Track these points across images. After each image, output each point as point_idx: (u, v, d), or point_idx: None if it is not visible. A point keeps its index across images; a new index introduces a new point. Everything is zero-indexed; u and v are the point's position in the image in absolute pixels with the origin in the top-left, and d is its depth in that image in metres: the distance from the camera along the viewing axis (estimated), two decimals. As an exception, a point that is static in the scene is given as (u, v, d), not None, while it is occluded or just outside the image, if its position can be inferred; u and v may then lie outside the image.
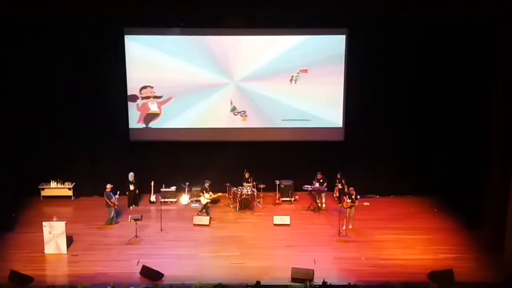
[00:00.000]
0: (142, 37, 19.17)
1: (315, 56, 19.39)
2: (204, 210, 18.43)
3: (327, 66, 19.45)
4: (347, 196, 17.25)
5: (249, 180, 19.19)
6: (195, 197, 19.51)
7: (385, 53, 18.91)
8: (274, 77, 19.52)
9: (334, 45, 19.36)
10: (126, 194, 19.01)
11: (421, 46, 18.80)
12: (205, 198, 18.38)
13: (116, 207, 17.84)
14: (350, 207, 17.10)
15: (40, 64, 18.62)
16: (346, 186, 18.14)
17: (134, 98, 19.60)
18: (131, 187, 19.06)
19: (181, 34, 19.15)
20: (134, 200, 19.23)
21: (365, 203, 17.15)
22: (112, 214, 17.79)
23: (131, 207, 19.03)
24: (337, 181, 19.18)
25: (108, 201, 17.68)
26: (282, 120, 19.89)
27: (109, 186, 17.73)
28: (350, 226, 17.22)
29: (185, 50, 19.27)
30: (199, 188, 19.24)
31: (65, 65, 18.72)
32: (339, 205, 17.62)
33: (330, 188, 19.33)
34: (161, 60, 19.30)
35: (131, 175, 19.08)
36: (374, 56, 18.97)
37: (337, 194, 19.16)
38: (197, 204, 19.26)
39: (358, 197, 17.15)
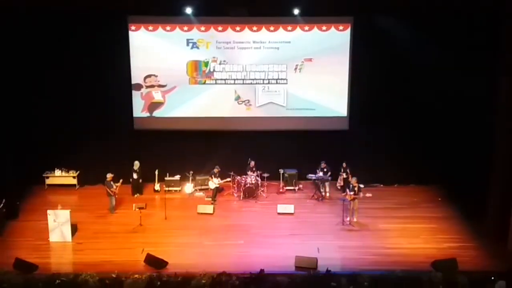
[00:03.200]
0: (146, 26, 19.13)
1: (320, 45, 19.30)
2: (214, 196, 18.53)
3: (332, 55, 19.37)
4: (349, 189, 17.23)
5: (254, 169, 19.19)
6: (199, 185, 19.55)
7: (390, 42, 18.78)
8: (279, 66, 19.46)
9: (339, 33, 19.27)
10: (130, 182, 19.06)
11: (427, 35, 18.66)
12: (214, 182, 18.38)
13: (116, 196, 17.88)
14: (353, 199, 17.09)
15: (45, 52, 18.58)
16: (350, 176, 18.14)
17: (138, 87, 19.60)
18: (135, 176, 19.08)
19: (185, 22, 19.10)
20: (138, 188, 19.27)
21: (368, 194, 17.16)
22: (113, 203, 17.85)
23: (135, 195, 19.07)
24: (342, 170, 19.16)
25: (108, 190, 17.73)
26: (287, 109, 19.86)
27: (109, 175, 17.77)
28: (355, 219, 17.18)
29: (189, 44, 19.25)
30: (203, 177, 19.31)
31: (69, 53, 18.70)
32: (344, 194, 17.55)
33: (334, 177, 19.32)
34: (165, 49, 19.26)
35: (136, 164, 19.09)
36: (379, 45, 18.88)
37: (342, 184, 19.14)
38: (201, 193, 19.30)
39: (362, 186, 17.17)
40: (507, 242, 15.57)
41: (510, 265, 14.31)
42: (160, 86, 19.63)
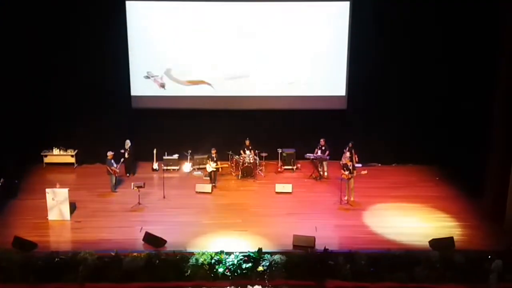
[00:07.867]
0: (144, 3, 18.97)
1: (319, 24, 19.17)
2: (211, 178, 18.42)
3: (331, 33, 19.25)
4: (344, 169, 17.22)
5: (250, 148, 19.12)
6: (197, 164, 19.54)
7: (389, 21, 18.70)
8: (277, 44, 19.33)
9: (338, 12, 19.13)
10: (122, 162, 18.86)
11: (426, 13, 18.58)
12: (211, 166, 18.32)
13: (116, 175, 17.92)
14: (349, 178, 17.11)
15: (43, 29, 18.48)
16: (355, 156, 18.04)
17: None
18: (126, 155, 18.84)
19: (182, 0, 18.94)
20: (130, 167, 19.20)
21: (363, 172, 17.17)
22: (113, 181, 17.88)
23: (128, 175, 18.98)
24: (347, 149, 18.78)
25: (109, 168, 17.75)
26: (285, 88, 19.74)
27: (109, 153, 17.75)
28: (352, 198, 17.21)
29: (187, 18, 19.09)
30: (202, 156, 19.28)
31: (67, 31, 18.61)
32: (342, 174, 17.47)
33: (333, 157, 19.24)
34: (163, 27, 19.13)
35: (127, 143, 18.94)
36: (378, 24, 18.76)
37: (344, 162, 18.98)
38: (200, 172, 19.31)
39: (357, 165, 17.21)
40: (504, 221, 15.64)
41: (507, 244, 14.39)
42: (158, 64, 19.56)
